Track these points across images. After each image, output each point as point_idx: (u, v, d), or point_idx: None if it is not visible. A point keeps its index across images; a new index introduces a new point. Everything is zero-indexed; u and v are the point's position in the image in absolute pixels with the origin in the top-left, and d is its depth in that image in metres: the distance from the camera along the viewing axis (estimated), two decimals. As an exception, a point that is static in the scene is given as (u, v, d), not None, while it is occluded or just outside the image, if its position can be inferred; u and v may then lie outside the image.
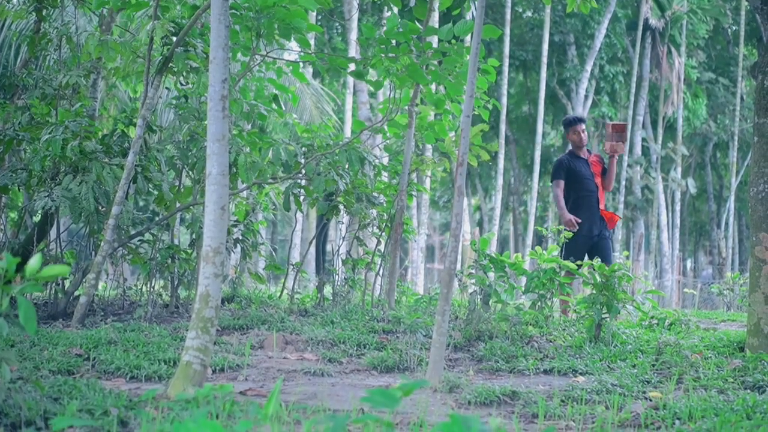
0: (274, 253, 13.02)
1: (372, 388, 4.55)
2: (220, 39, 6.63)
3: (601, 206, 13.26)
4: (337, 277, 12.87)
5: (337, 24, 35.10)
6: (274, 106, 12.56)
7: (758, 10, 9.78)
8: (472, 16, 24.00)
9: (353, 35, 27.17)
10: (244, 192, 12.58)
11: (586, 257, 12.99)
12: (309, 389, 7.28)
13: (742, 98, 43.56)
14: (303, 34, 11.02)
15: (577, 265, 11.33)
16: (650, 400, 7.11)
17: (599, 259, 11.01)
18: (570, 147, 13.59)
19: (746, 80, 43.24)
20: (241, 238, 12.58)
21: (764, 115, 9.44)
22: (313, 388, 7.34)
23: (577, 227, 12.92)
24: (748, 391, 7.61)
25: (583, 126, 13.41)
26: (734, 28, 45.86)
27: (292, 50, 14.65)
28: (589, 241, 13.09)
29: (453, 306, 12.12)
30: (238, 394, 6.77)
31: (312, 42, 25.04)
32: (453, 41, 11.46)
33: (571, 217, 12.88)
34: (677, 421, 6.17)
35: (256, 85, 12.54)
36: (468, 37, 18.47)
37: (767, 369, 8.32)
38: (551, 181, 13.41)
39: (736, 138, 42.74)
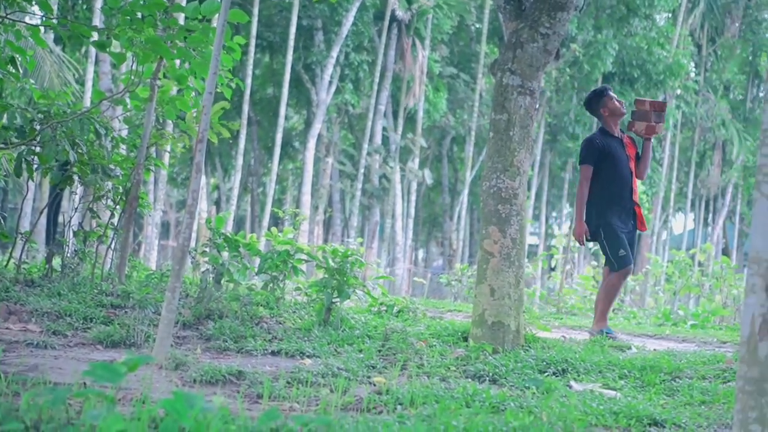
0: (2, 221, 12.66)
1: (97, 363, 4.49)
2: (-44, -5, 6.39)
3: (635, 197, 11.14)
4: (67, 248, 12.59)
5: (83, -10, 34.24)
6: (10, 68, 12.16)
7: (501, 9, 10.09)
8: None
9: (98, 3, 26.60)
10: (-26, 156, 12.16)
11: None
12: (31, 361, 7.12)
13: (480, 95, 44.74)
14: (45, -3, 10.72)
15: (621, 256, 10.86)
16: (374, 385, 7.23)
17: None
18: (600, 126, 11.44)
19: (486, 77, 44.43)
20: (-32, 203, 12.15)
21: (500, 112, 9.74)
22: (35, 360, 7.17)
23: (584, 245, 11.42)
24: (469, 380, 7.84)
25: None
26: (478, 25, 47.08)
27: (34, 14, 14.23)
28: (623, 229, 11.08)
29: (184, 284, 12.04)
30: (-45, 364, 6.55)
31: (54, 7, 24.37)
32: (198, 20, 11.36)
33: (583, 231, 11.04)
34: (399, 407, 6.29)
35: (-8, 47, 12.11)
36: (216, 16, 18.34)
37: (488, 359, 8.60)
38: (580, 164, 11.22)
39: (473, 133, 43.92)
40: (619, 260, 10.92)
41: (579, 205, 11.00)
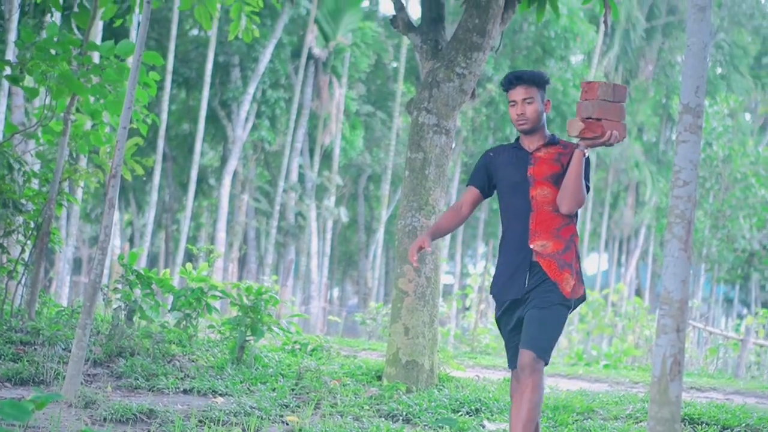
0: None
1: (4, 400, 4.41)
2: None
3: (534, 244, 6.17)
4: (-24, 283, 12.40)
5: (-4, 23, 33.86)
6: None
7: (418, 48, 10.17)
8: (138, 27, 23.69)
9: (12, 36, 26.30)
10: None
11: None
12: (-64, 399, 6.97)
13: (397, 133, 44.88)
14: (-43, 29, 10.60)
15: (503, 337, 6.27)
16: (287, 424, 7.20)
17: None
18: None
19: (403, 116, 44.57)
20: None
21: (416, 150, 9.78)
22: (-60, 399, 7.03)
23: (416, 264, 6.26)
24: (383, 419, 7.83)
25: (527, 89, 6.82)
26: (395, 64, 47.28)
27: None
28: (503, 307, 6.28)
29: (96, 321, 11.91)
30: None
31: (-32, 39, 24.05)
32: (114, 59, 11.28)
33: (414, 247, 6.27)
34: (311, 446, 6.27)
35: None
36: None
37: (402, 398, 8.59)
38: None
39: (389, 171, 43.98)
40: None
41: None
